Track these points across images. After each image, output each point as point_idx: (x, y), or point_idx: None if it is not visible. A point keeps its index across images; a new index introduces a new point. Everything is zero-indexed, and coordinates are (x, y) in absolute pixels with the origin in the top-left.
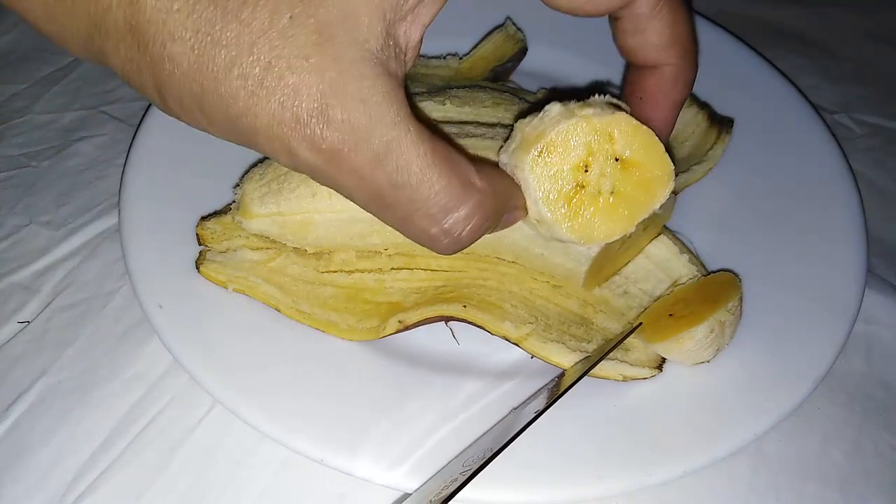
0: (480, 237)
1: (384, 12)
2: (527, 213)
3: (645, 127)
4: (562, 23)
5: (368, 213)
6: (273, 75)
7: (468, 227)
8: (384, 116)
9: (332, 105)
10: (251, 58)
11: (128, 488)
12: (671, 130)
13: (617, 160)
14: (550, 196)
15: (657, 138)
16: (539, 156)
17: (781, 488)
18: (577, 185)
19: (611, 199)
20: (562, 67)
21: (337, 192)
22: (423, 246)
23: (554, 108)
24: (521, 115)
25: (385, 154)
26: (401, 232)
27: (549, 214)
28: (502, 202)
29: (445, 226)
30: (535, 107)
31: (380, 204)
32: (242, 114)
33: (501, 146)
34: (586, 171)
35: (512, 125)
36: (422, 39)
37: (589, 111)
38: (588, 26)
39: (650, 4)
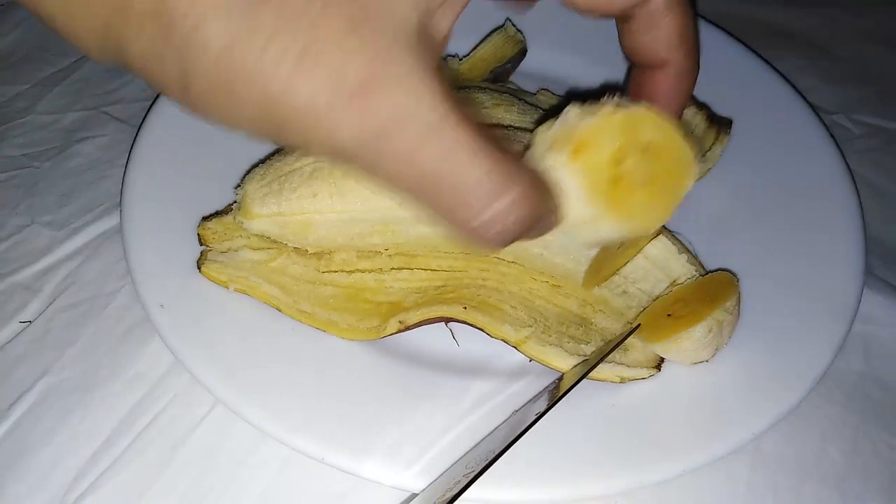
0: (524, 232)
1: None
2: (561, 218)
3: (666, 116)
4: (562, 24)
5: (369, 214)
6: (313, 53)
7: (513, 218)
8: (430, 97)
9: (376, 84)
10: (289, 35)
11: (129, 487)
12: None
13: (645, 151)
14: (593, 191)
15: (678, 127)
16: (574, 154)
17: (779, 487)
18: (616, 177)
19: (648, 188)
20: (561, 68)
21: (376, 181)
22: (466, 241)
23: (573, 110)
24: (525, 115)
25: (432, 134)
26: (442, 224)
27: (593, 210)
28: (547, 196)
29: (489, 215)
30: (549, 114)
31: (423, 190)
32: (281, 92)
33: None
34: (620, 164)
35: (511, 126)
36: (452, 30)
37: (610, 107)
38: (588, 27)
39: (665, 1)
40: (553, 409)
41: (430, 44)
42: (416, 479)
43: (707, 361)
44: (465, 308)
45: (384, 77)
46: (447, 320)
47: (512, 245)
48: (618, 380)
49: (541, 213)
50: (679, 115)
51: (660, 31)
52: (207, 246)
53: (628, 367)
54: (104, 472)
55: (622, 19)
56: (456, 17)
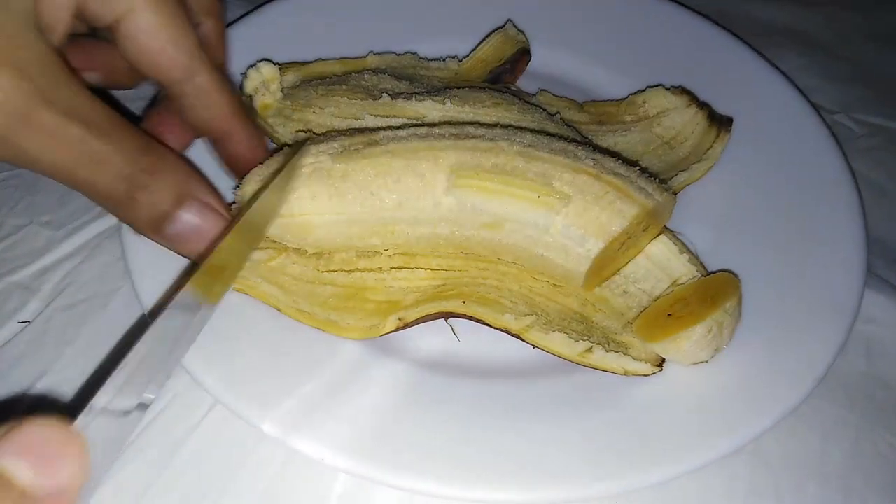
0: (177, 192)
1: None
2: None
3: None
4: (562, 25)
5: (368, 215)
6: None
7: (162, 177)
8: (63, 78)
9: (8, 67)
10: None
11: (129, 487)
12: None
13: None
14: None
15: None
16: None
17: (781, 487)
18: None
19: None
20: (562, 69)
21: (22, 163)
22: (122, 213)
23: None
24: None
25: (72, 110)
26: (98, 197)
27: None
28: (185, 166)
29: (139, 180)
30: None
31: (75, 164)
32: None
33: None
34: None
35: (511, 125)
36: (69, 23)
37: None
38: (588, 28)
39: (212, 81)
40: (553, 408)
41: (49, 27)
42: (418, 482)
43: (706, 362)
44: (465, 302)
45: (20, 62)
46: (447, 316)
47: (512, 247)
48: (622, 371)
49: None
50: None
51: (212, 108)
52: None
53: (633, 359)
54: None
55: (176, 95)
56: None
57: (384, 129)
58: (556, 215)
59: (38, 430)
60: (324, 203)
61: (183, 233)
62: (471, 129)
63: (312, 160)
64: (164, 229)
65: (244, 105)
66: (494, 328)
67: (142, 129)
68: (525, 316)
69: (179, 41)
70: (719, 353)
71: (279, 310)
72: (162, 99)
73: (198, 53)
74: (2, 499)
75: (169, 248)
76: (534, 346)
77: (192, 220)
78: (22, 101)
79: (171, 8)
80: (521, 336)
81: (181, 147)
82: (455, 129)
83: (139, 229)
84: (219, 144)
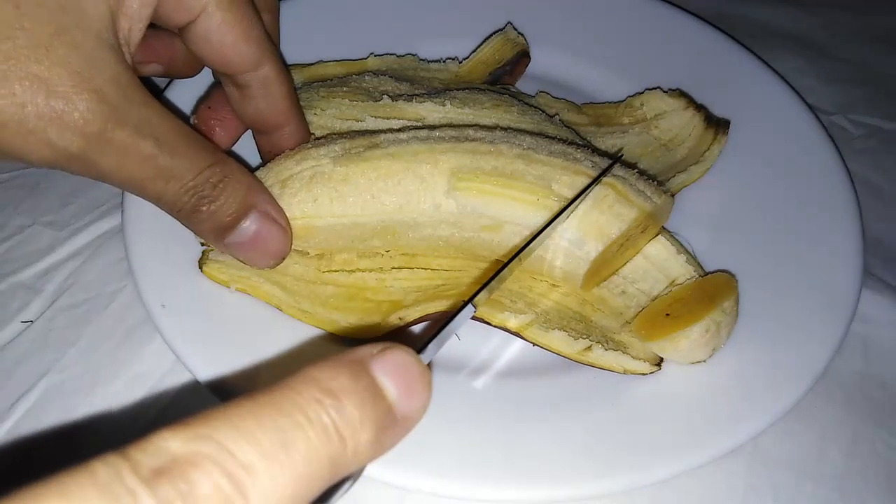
0: (238, 204)
1: (108, 5)
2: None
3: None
4: (561, 27)
5: (369, 218)
6: (16, 66)
7: (225, 190)
8: (136, 95)
9: (87, 90)
10: None
11: None
12: None
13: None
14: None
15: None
16: None
17: (778, 487)
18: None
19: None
20: (561, 71)
21: (95, 177)
22: (187, 222)
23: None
24: (524, 117)
25: (144, 127)
26: (165, 207)
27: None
28: (249, 178)
29: (203, 192)
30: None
31: (144, 179)
32: None
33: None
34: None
35: (510, 127)
36: (143, 33)
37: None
38: (587, 31)
39: (276, 70)
40: (553, 408)
41: (123, 45)
42: (418, 480)
43: (704, 362)
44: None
45: (96, 82)
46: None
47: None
48: (621, 369)
49: (245, 187)
50: None
51: (273, 99)
52: (209, 246)
53: (633, 357)
54: None
55: (239, 86)
56: (145, 20)
57: (385, 131)
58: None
59: (406, 358)
60: (325, 206)
61: (244, 242)
62: (471, 132)
63: (313, 163)
64: (226, 239)
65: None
66: (494, 326)
67: (208, 141)
68: (524, 314)
69: (250, 34)
70: (717, 352)
71: (281, 309)
72: (215, 88)
73: (266, 44)
74: (374, 408)
75: (235, 257)
76: (533, 344)
77: (253, 230)
78: (99, 123)
79: (242, 3)
80: (521, 334)
81: (231, 140)
82: (455, 131)
83: (203, 238)
84: (268, 138)
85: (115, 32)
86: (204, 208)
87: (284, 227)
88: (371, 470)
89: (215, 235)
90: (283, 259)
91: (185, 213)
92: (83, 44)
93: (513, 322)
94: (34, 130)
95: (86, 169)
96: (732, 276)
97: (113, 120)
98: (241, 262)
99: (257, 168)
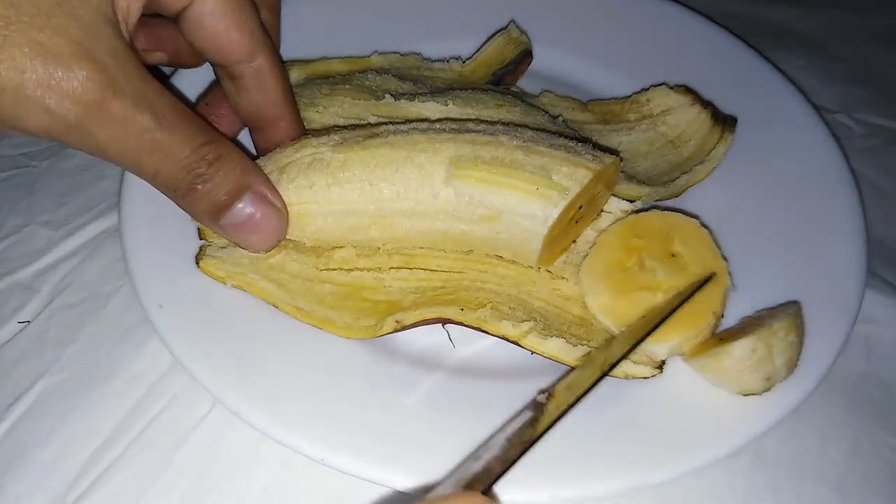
0: (233, 183)
1: None
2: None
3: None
4: (565, 26)
5: (366, 205)
6: (17, 33)
7: (221, 168)
8: (134, 70)
9: (86, 59)
10: None
11: (129, 487)
12: None
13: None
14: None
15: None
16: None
17: (780, 487)
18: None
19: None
20: (565, 70)
21: (91, 150)
22: (183, 202)
23: None
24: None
25: (142, 100)
26: (161, 185)
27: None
28: (244, 159)
29: (199, 169)
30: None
31: (142, 153)
32: None
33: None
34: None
35: (512, 122)
36: (140, 13)
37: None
38: (590, 29)
39: (270, 63)
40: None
41: (122, 22)
42: (417, 481)
43: (759, 395)
44: (463, 310)
45: (96, 53)
46: (444, 321)
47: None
48: (622, 375)
49: (237, 165)
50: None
51: (267, 91)
52: (207, 241)
53: (633, 363)
54: (104, 471)
55: (234, 77)
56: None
57: (385, 124)
58: (554, 208)
59: None
60: (322, 192)
61: (239, 224)
62: (471, 125)
63: (312, 151)
64: (221, 219)
65: (294, 94)
66: (493, 335)
67: (203, 121)
68: (523, 322)
69: (243, 24)
70: (774, 386)
71: (277, 307)
72: (214, 86)
73: (259, 36)
74: None
75: (230, 240)
76: (532, 353)
77: (247, 210)
78: (97, 92)
79: None
80: (520, 342)
81: (231, 134)
82: (456, 124)
83: (198, 219)
84: (262, 132)
85: (113, 9)
86: (199, 187)
87: (280, 209)
88: (371, 474)
89: (211, 216)
90: (279, 242)
91: (181, 192)
92: (83, 15)
93: (511, 331)
94: (32, 97)
95: (82, 140)
96: (798, 304)
97: (111, 90)
98: (237, 245)
99: (256, 157)
